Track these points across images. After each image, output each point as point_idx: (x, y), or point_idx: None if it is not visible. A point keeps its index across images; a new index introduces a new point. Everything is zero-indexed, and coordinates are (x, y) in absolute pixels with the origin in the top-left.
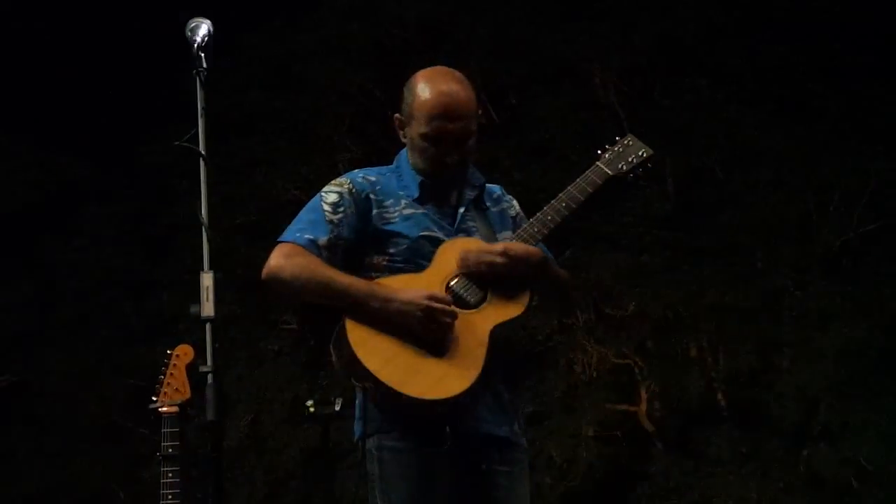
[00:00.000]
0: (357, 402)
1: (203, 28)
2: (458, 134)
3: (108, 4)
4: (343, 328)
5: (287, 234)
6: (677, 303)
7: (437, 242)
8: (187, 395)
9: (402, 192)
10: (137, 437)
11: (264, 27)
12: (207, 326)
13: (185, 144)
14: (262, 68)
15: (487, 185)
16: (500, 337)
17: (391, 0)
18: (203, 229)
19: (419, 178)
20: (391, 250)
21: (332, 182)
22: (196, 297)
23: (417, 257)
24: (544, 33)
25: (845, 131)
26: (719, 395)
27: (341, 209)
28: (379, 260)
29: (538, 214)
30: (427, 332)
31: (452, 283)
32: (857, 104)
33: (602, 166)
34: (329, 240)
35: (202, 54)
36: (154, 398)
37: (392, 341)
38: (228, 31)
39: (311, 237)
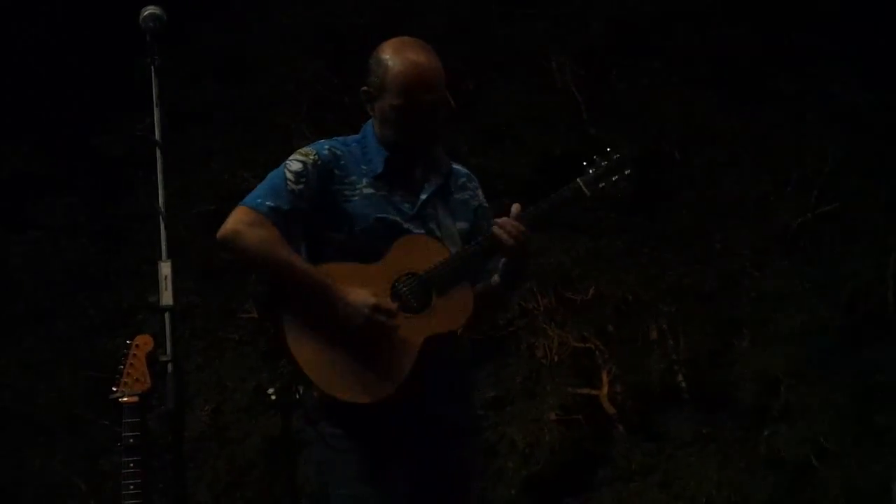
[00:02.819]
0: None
1: (157, 17)
2: (432, 104)
3: None
4: (280, 322)
5: (248, 199)
6: (637, 286)
7: (393, 226)
8: (147, 385)
9: (365, 167)
10: (97, 428)
11: (218, 15)
12: (166, 316)
13: (141, 133)
14: (217, 57)
15: (455, 167)
16: (436, 345)
17: None
18: (160, 218)
19: (385, 153)
20: (346, 228)
21: (299, 150)
22: (154, 287)
23: (373, 239)
24: (499, 18)
25: (801, 112)
26: (680, 378)
27: (303, 179)
28: (334, 236)
29: (522, 213)
30: (366, 333)
31: (400, 282)
32: (811, 85)
33: (581, 185)
34: (289, 210)
35: (156, 43)
36: (114, 388)
37: (329, 336)
38: (182, 19)
39: (273, 205)
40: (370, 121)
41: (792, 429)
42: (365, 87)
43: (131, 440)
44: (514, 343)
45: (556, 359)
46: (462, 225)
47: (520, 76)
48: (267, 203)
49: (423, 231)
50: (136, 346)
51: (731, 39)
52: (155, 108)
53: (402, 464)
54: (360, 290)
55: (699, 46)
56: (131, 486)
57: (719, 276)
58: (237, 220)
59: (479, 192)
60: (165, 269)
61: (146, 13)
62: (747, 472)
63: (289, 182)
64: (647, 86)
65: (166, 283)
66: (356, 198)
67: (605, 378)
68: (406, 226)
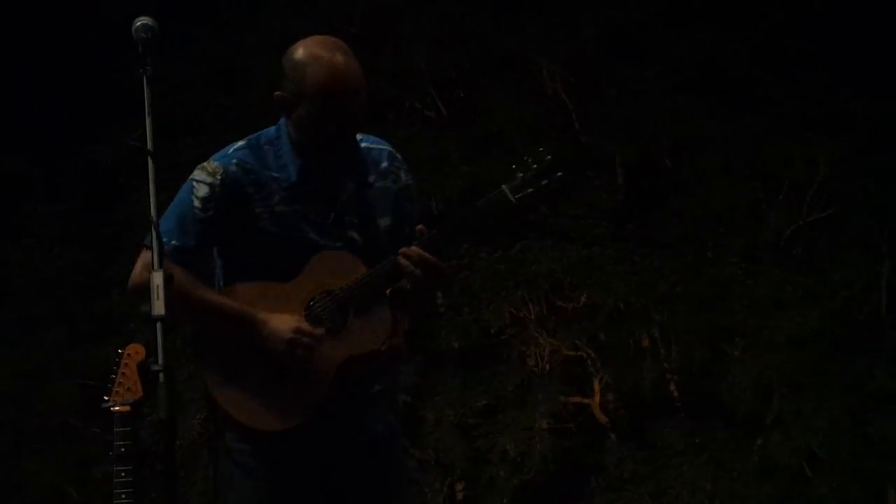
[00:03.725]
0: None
1: (149, 27)
2: (351, 112)
3: (54, 2)
4: (196, 339)
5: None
6: (629, 294)
7: (308, 244)
8: (139, 394)
9: (277, 175)
10: (89, 437)
11: (209, 24)
12: (158, 325)
13: (133, 143)
14: (208, 65)
15: (375, 148)
16: (353, 366)
17: None
18: (152, 227)
19: (298, 161)
20: (260, 247)
21: (204, 167)
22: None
23: (288, 257)
24: (490, 26)
25: (792, 119)
26: (672, 386)
27: (211, 205)
28: (248, 258)
29: (433, 232)
30: (286, 359)
31: (314, 301)
32: (802, 92)
33: (507, 192)
34: (197, 243)
35: (148, 53)
36: (106, 397)
37: (240, 359)
38: (174, 28)
39: (179, 244)
40: (286, 123)
41: (785, 437)
42: (279, 93)
43: (123, 449)
44: (505, 351)
45: (547, 367)
46: (385, 221)
47: (511, 84)
48: (172, 243)
49: (340, 243)
50: (128, 355)
51: (721, 47)
52: (147, 118)
53: (309, 487)
54: (281, 317)
55: (689, 54)
56: (123, 495)
57: (711, 284)
58: (142, 267)
59: (402, 171)
60: (157, 278)
61: (138, 24)
62: (740, 481)
63: (196, 210)
64: (638, 93)
65: (158, 293)
66: (267, 215)
67: (596, 386)
68: (322, 241)
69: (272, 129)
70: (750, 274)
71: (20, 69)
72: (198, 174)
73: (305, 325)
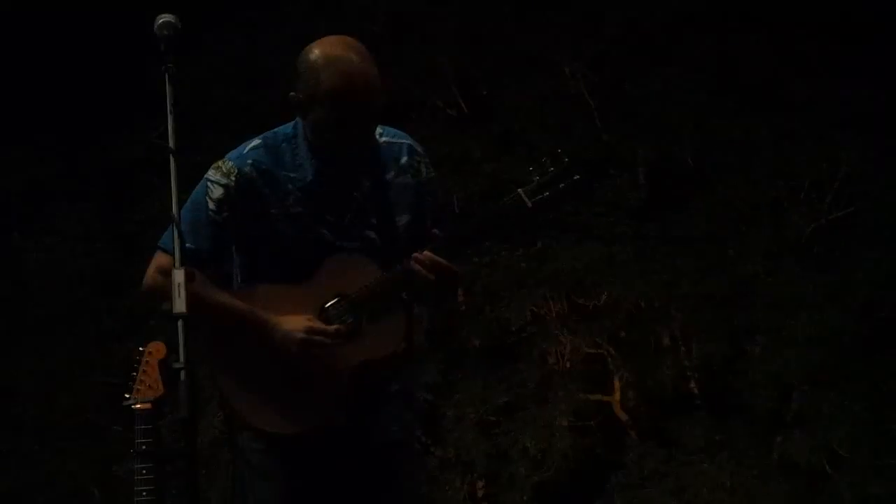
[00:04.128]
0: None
1: (171, 25)
2: (368, 116)
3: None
4: (210, 343)
5: (167, 239)
6: (649, 292)
7: (323, 243)
8: (160, 391)
9: (293, 175)
10: (111, 435)
11: (231, 22)
12: (179, 323)
13: (155, 141)
14: (230, 63)
15: (395, 142)
16: (369, 371)
17: None
18: (173, 226)
19: (315, 163)
20: (275, 248)
21: (220, 167)
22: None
23: (303, 258)
24: (513, 24)
25: (814, 118)
26: (692, 384)
27: (226, 207)
28: (263, 255)
29: (447, 236)
30: (300, 361)
31: (329, 305)
32: (824, 91)
33: (522, 195)
34: (212, 246)
35: (170, 50)
36: (127, 395)
37: (254, 363)
38: (196, 26)
39: (193, 247)
40: (304, 125)
41: (806, 435)
42: (293, 94)
43: (144, 447)
44: (526, 349)
45: (568, 365)
46: (403, 218)
47: (533, 82)
48: (186, 245)
49: (356, 243)
50: (149, 353)
51: (743, 45)
52: (169, 116)
53: (325, 489)
54: (293, 318)
55: (712, 52)
56: (144, 493)
57: (732, 283)
58: (156, 270)
59: (423, 165)
60: (179, 276)
61: (161, 21)
62: (760, 480)
63: (211, 213)
64: (660, 92)
65: (179, 291)
66: (282, 217)
67: (617, 384)
68: (338, 242)
69: (289, 126)
70: (771, 272)
71: (42, 68)
72: (212, 174)
73: (318, 324)
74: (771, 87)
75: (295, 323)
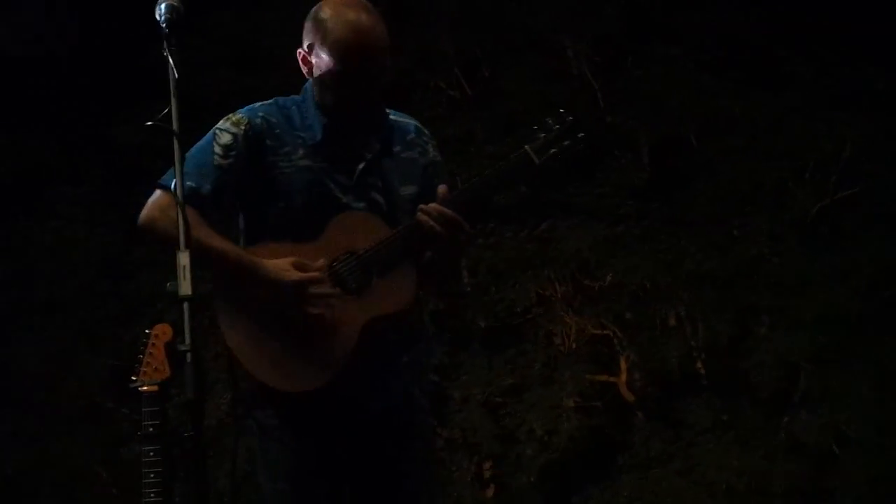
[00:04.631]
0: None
1: (174, 7)
2: (374, 71)
3: None
4: (217, 300)
5: (168, 178)
6: (655, 272)
7: (331, 200)
8: (167, 373)
9: (303, 134)
10: (118, 417)
11: (233, 4)
12: (185, 305)
13: (158, 124)
14: (233, 46)
15: (402, 121)
16: (378, 328)
17: None
18: (178, 207)
19: (324, 120)
20: (282, 203)
21: (230, 118)
22: (172, 276)
23: (310, 213)
24: (515, 5)
25: (819, 97)
26: (698, 364)
27: (233, 153)
28: (268, 211)
29: (455, 192)
30: (298, 305)
31: (338, 262)
32: (828, 69)
33: (530, 152)
34: (214, 189)
35: (172, 33)
36: (134, 377)
37: (261, 320)
38: (198, 8)
39: (194, 185)
40: (310, 82)
41: (812, 415)
42: (301, 50)
43: (151, 429)
44: (531, 330)
45: (574, 346)
46: (409, 189)
47: (535, 63)
48: (187, 184)
49: (363, 203)
50: (155, 335)
51: (747, 24)
52: (172, 99)
53: (340, 459)
54: (281, 262)
55: (715, 32)
56: (151, 475)
57: (738, 263)
58: (153, 206)
59: (431, 146)
60: (183, 258)
61: (163, 3)
62: (767, 460)
63: (216, 157)
64: (663, 72)
65: (185, 273)
66: (291, 170)
67: (623, 365)
68: (345, 199)
69: (297, 95)
70: (776, 252)
71: (43, 51)
72: (222, 124)
73: (314, 275)
74: (775, 66)
75: (287, 270)
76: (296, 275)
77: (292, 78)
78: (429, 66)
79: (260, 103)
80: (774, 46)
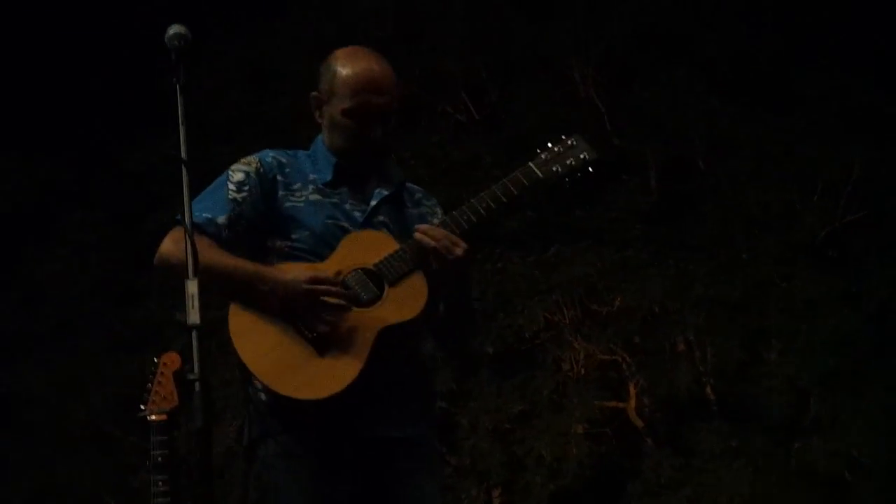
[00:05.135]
0: (248, 406)
1: (182, 36)
2: (382, 108)
3: (89, 11)
4: (227, 316)
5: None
6: (663, 297)
7: (342, 232)
8: (175, 402)
9: (313, 176)
10: (126, 446)
11: (242, 30)
12: (193, 334)
13: (169, 151)
14: (241, 71)
15: (409, 185)
16: (391, 339)
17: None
18: (186, 236)
19: (334, 160)
20: (294, 236)
21: (242, 160)
22: (181, 304)
23: (320, 245)
24: (521, 28)
25: (826, 120)
26: (708, 390)
27: (246, 188)
28: (281, 245)
29: (454, 212)
30: (311, 314)
31: (348, 276)
32: (835, 92)
33: (533, 167)
34: (229, 218)
35: (181, 61)
36: (142, 406)
37: (276, 333)
38: (207, 34)
39: (209, 216)
40: (320, 135)
41: (823, 441)
42: (314, 93)
43: (160, 458)
44: (540, 356)
45: (582, 371)
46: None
47: (542, 87)
48: (204, 215)
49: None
50: (164, 363)
51: (754, 47)
52: (181, 127)
53: (349, 488)
54: (293, 265)
55: (720, 55)
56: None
57: (746, 287)
58: (167, 240)
59: (438, 209)
60: (192, 287)
61: (171, 32)
62: (778, 486)
63: (230, 192)
64: (670, 95)
65: (193, 302)
66: (302, 202)
67: (632, 391)
68: (354, 230)
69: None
70: (785, 276)
71: (54, 78)
72: (235, 165)
73: (322, 275)
74: (782, 89)
75: (299, 273)
76: (309, 275)
77: (299, 102)
78: (436, 90)
79: (271, 149)
80: (782, 69)
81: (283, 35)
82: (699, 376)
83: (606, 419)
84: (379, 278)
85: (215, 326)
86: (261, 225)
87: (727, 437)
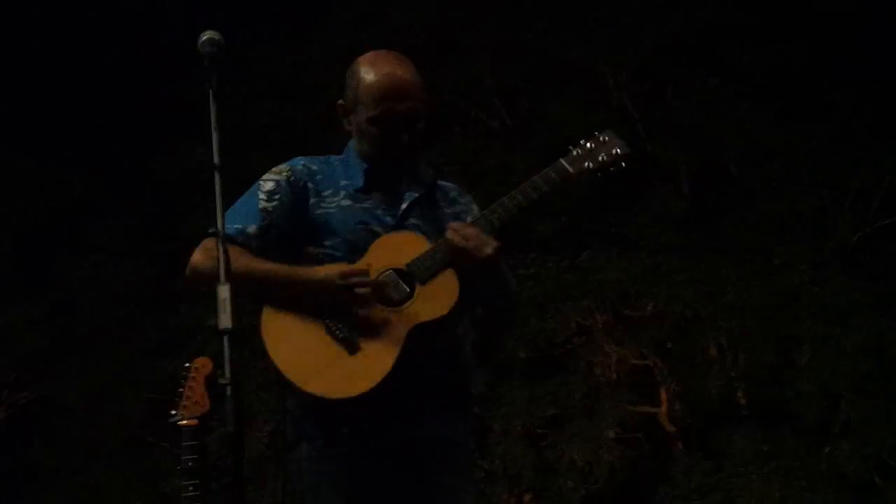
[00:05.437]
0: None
1: (215, 42)
2: (407, 114)
3: (119, 21)
4: (260, 319)
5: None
6: (695, 302)
7: (373, 236)
8: (207, 407)
9: (345, 182)
10: (158, 451)
11: (275, 38)
12: (225, 338)
13: (201, 158)
14: (274, 79)
15: (443, 183)
16: (423, 337)
17: (400, 9)
18: (218, 242)
19: (364, 166)
20: (326, 241)
21: (273, 169)
22: (213, 310)
23: (353, 250)
24: (554, 36)
25: (857, 126)
26: (739, 394)
27: (277, 196)
28: (314, 251)
29: (485, 211)
30: (346, 298)
31: (380, 277)
32: (867, 99)
33: (565, 164)
34: (260, 228)
35: (214, 68)
36: (173, 411)
37: (308, 333)
38: (240, 43)
39: (240, 226)
40: (352, 140)
41: (854, 445)
42: (340, 102)
43: (190, 463)
44: (572, 361)
45: (614, 376)
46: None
47: (576, 94)
48: (235, 226)
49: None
50: (195, 368)
51: (785, 55)
52: (213, 133)
53: (392, 487)
54: (326, 266)
55: (754, 63)
56: None
57: (778, 292)
58: (198, 251)
59: (474, 205)
60: (224, 292)
61: (204, 38)
62: (810, 491)
63: (261, 201)
64: (703, 102)
65: (225, 306)
66: (333, 208)
67: (664, 395)
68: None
69: (339, 155)
70: (817, 281)
71: (86, 88)
72: (266, 175)
73: (354, 268)
74: (814, 96)
75: (329, 268)
76: (341, 269)
77: (332, 111)
78: (470, 98)
79: (303, 157)
80: (813, 76)
81: (316, 42)
82: (730, 381)
83: (638, 424)
84: (410, 277)
85: (247, 332)
86: (293, 232)
87: (758, 442)
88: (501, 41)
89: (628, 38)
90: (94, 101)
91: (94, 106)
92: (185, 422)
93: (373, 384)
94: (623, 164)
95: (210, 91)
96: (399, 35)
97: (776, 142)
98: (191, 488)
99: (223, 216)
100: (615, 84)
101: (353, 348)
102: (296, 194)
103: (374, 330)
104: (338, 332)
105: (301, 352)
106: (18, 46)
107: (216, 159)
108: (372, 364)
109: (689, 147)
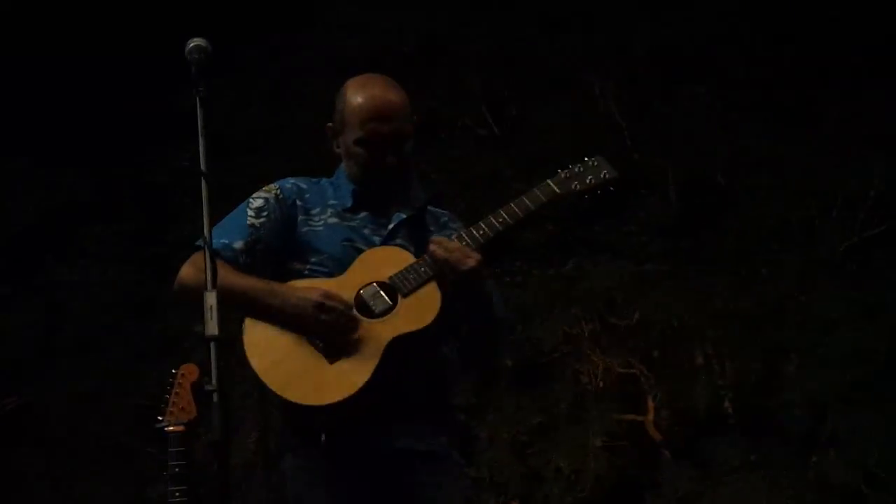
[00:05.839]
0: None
1: (202, 48)
2: (393, 135)
3: (108, 23)
4: (242, 329)
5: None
6: (682, 311)
7: (359, 254)
8: (193, 413)
9: (333, 202)
10: (144, 457)
11: (263, 43)
12: (211, 345)
13: (188, 164)
14: (262, 85)
15: (434, 209)
16: (403, 349)
17: (389, 15)
18: (205, 248)
19: (352, 187)
20: (312, 259)
21: (263, 188)
22: (200, 316)
23: (338, 268)
24: (542, 44)
25: (846, 135)
26: (726, 403)
27: (265, 213)
28: (300, 267)
29: (470, 227)
30: (320, 326)
31: (363, 290)
32: (856, 108)
33: (552, 184)
34: (246, 243)
35: (201, 74)
36: (160, 417)
37: (288, 341)
38: (227, 47)
39: (227, 241)
40: (343, 162)
41: (841, 455)
42: (329, 124)
43: (177, 469)
44: (558, 369)
45: (601, 385)
46: None
47: (563, 102)
48: (221, 240)
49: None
50: (182, 375)
51: (773, 63)
52: (200, 139)
53: (371, 501)
54: (306, 283)
55: (741, 71)
56: None
57: (765, 301)
58: (186, 266)
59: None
60: (210, 298)
61: (191, 45)
62: (796, 500)
63: (249, 217)
64: (690, 111)
65: (212, 313)
66: (320, 226)
67: (650, 404)
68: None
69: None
70: (804, 290)
71: (73, 89)
72: (255, 193)
73: (332, 291)
74: (801, 105)
75: (309, 290)
76: (321, 293)
77: (321, 117)
78: (456, 105)
79: (292, 177)
80: (800, 84)
81: (304, 49)
82: (717, 390)
83: (625, 432)
84: (393, 290)
85: (234, 339)
86: (280, 249)
87: (745, 451)
88: (489, 49)
89: (616, 46)
90: (83, 103)
91: (83, 108)
92: (171, 428)
93: (349, 394)
94: (611, 188)
95: (197, 98)
96: (387, 42)
97: (764, 150)
98: (177, 494)
99: (210, 223)
100: (602, 92)
101: (331, 358)
102: (284, 212)
103: (353, 341)
104: (318, 340)
105: (280, 361)
106: (4, 47)
107: (203, 166)
108: (349, 374)
109: (677, 155)
